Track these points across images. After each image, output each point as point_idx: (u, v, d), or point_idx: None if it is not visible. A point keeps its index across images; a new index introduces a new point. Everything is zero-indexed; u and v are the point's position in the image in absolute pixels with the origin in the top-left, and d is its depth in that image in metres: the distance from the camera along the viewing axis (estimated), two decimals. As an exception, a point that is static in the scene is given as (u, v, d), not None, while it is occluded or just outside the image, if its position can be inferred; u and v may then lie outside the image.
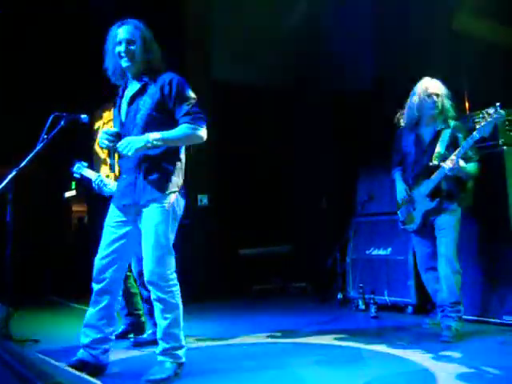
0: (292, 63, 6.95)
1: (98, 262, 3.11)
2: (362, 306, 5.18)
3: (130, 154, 2.94)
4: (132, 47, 3.08)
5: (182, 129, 3.02)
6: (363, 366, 3.33)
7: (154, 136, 2.94)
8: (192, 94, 3.09)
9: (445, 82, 4.11)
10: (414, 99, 4.03)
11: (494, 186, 4.23)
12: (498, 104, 3.67)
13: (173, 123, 3.04)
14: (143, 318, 4.24)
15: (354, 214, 5.65)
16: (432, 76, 4.11)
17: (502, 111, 3.67)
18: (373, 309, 4.82)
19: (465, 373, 3.04)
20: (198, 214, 6.44)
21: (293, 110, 7.22)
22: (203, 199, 6.71)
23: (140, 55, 3.09)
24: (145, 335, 4.11)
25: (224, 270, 6.50)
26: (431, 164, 3.95)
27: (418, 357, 3.40)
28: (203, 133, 3.08)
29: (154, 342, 3.42)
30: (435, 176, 3.90)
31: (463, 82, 5.34)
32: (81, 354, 3.10)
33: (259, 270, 6.74)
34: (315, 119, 6.98)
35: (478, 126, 3.74)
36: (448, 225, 3.93)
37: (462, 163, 3.79)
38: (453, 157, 3.79)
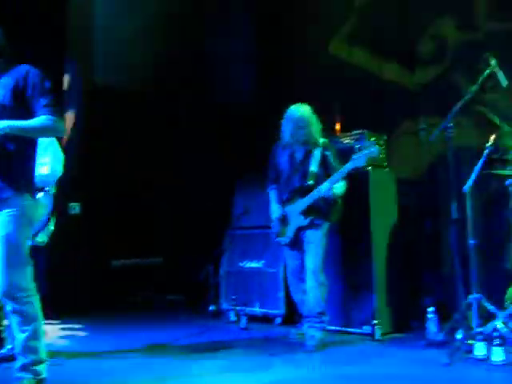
0: (176, 74, 6.92)
1: None
2: (234, 318, 5.23)
3: None
4: None
5: (40, 119, 2.87)
6: (226, 378, 3.36)
7: (8, 123, 2.79)
8: (50, 87, 2.97)
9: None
10: (286, 127, 4.29)
11: (359, 203, 4.52)
12: (373, 139, 3.95)
13: (27, 116, 2.88)
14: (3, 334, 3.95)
15: (229, 227, 5.73)
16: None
17: (376, 146, 3.99)
18: (243, 320, 4.89)
19: (325, 380, 3.20)
20: (70, 223, 6.15)
21: (174, 121, 7.17)
22: (75, 208, 6.43)
23: None
24: (4, 350, 3.83)
25: (95, 281, 6.26)
26: (306, 184, 4.19)
27: (282, 366, 3.53)
28: (61, 126, 3.00)
29: (12, 358, 3.20)
30: (310, 196, 4.15)
31: (336, 104, 5.61)
32: None
33: (132, 282, 6.58)
34: (197, 131, 6.99)
35: (354, 157, 4.04)
36: (315, 239, 4.16)
37: (332, 190, 4.09)
38: (327, 183, 4.06)
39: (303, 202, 4.18)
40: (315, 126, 4.28)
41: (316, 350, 3.95)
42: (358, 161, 4.00)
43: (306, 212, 4.18)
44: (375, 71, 5.97)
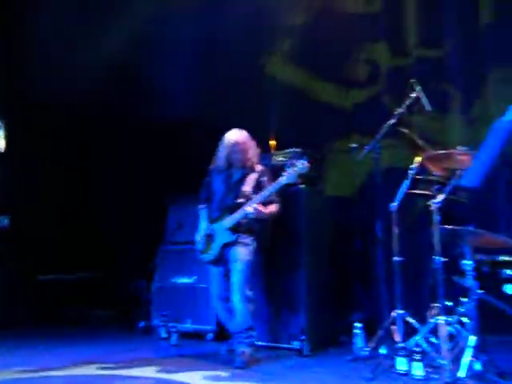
0: (112, 89, 6.80)
1: None
2: (165, 335, 5.15)
3: None
4: None
5: None
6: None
7: None
8: None
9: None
10: (223, 152, 4.34)
11: (291, 220, 4.58)
12: (303, 160, 4.00)
13: None
14: None
15: (162, 242, 5.68)
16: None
17: (306, 164, 4.04)
18: (174, 337, 4.84)
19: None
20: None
21: (110, 136, 7.06)
22: (3, 220, 6.21)
23: None
24: None
25: (27, 297, 6.06)
26: (237, 202, 4.20)
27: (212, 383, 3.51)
28: None
29: None
30: (237, 214, 4.16)
31: (272, 121, 5.71)
32: None
33: (64, 297, 6.40)
34: (133, 145, 6.91)
35: (284, 174, 4.09)
36: (241, 256, 4.15)
37: (261, 208, 4.12)
38: (254, 203, 4.09)
39: (231, 219, 4.19)
40: (251, 151, 4.35)
41: (245, 366, 3.95)
42: (287, 178, 4.06)
43: (233, 229, 4.19)
44: (312, 91, 6.11)
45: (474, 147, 4.59)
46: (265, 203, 4.19)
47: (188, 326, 5.15)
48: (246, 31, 6.10)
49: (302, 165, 4.05)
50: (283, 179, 4.08)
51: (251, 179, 4.29)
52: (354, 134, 5.61)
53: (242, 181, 4.31)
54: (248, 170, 4.33)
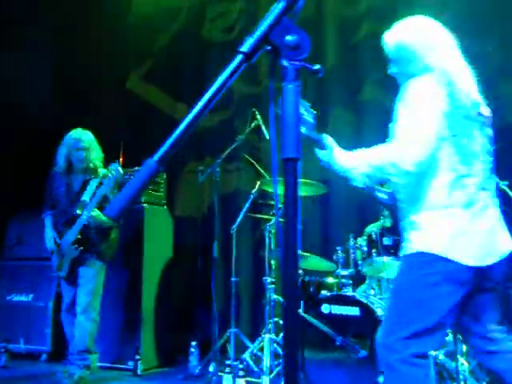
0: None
1: None
2: (-6, 356, 4.87)
3: None
4: None
5: None
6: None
7: None
8: None
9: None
10: (61, 151, 4.14)
11: (132, 239, 4.59)
12: (114, 166, 3.91)
13: None
14: None
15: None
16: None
17: (119, 169, 3.88)
18: (2, 358, 4.59)
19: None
20: None
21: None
22: None
23: None
24: None
25: None
26: (75, 213, 4.05)
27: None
28: None
29: None
30: (76, 225, 4.01)
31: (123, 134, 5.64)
32: None
33: None
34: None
35: (102, 181, 3.98)
36: (88, 275, 4.04)
37: (95, 213, 3.96)
38: (85, 211, 3.95)
39: (72, 232, 4.04)
40: (95, 153, 4.17)
41: None
42: (105, 186, 3.89)
43: (75, 243, 4.04)
44: (168, 110, 6.17)
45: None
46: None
47: (21, 346, 4.90)
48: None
49: (114, 171, 3.87)
50: (102, 189, 3.94)
51: (91, 186, 4.10)
52: (207, 157, 5.76)
53: (82, 189, 4.13)
54: (90, 173, 4.15)
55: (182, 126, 1.11)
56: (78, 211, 4.05)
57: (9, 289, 5.16)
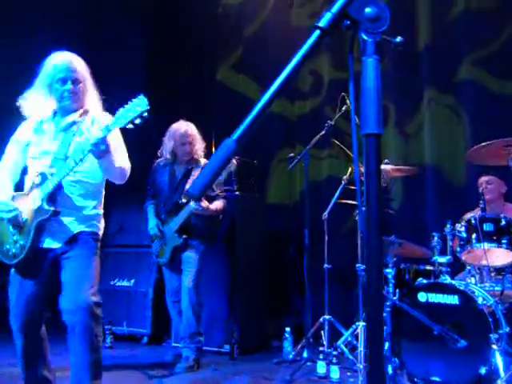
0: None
1: None
2: (100, 337, 5.15)
3: None
4: None
5: None
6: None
7: None
8: None
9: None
10: (168, 143, 4.23)
11: (226, 227, 4.66)
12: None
13: None
14: None
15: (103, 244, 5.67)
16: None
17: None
18: (108, 339, 4.86)
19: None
20: None
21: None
22: None
23: None
24: None
25: None
26: (180, 201, 4.12)
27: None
28: None
29: None
30: (182, 213, 4.07)
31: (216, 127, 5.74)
32: None
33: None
34: None
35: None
36: (191, 260, 4.12)
37: (205, 203, 3.99)
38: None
39: (177, 220, 4.11)
40: (198, 145, 4.26)
41: (185, 371, 3.92)
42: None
43: (179, 231, 4.11)
44: (256, 98, 6.20)
45: (405, 161, 4.82)
46: (208, 199, 4.08)
47: (123, 328, 5.16)
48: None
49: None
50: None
51: (195, 176, 4.15)
52: (297, 145, 5.74)
53: (186, 178, 4.21)
54: (193, 163, 4.23)
55: (260, 105, 1.11)
56: (184, 199, 4.09)
57: (112, 274, 5.43)
